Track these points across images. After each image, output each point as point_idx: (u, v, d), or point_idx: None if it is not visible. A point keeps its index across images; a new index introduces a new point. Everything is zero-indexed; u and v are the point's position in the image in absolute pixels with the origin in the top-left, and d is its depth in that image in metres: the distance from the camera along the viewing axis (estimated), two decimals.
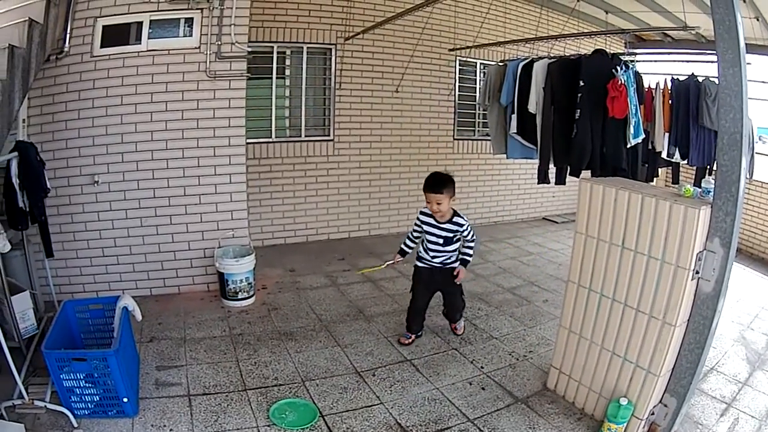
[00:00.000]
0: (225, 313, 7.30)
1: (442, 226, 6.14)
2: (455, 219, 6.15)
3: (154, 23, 7.09)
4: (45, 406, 4.64)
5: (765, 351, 6.83)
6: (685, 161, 8.47)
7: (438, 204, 5.96)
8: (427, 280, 6.49)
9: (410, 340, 6.56)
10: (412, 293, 6.60)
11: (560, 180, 8.09)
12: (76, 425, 4.55)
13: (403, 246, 6.57)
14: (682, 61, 9.48)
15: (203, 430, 4.71)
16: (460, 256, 6.38)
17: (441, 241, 6.19)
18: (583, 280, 5.12)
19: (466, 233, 6.24)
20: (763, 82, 9.71)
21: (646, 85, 8.17)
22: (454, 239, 6.23)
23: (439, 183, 5.96)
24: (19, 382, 4.62)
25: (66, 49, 6.70)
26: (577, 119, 7.33)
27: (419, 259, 6.51)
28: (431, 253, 6.31)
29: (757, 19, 9.58)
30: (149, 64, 7.12)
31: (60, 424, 4.59)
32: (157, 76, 7.16)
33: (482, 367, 6.05)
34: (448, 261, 6.37)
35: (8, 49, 4.58)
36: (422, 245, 6.43)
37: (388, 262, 6.68)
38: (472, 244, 6.36)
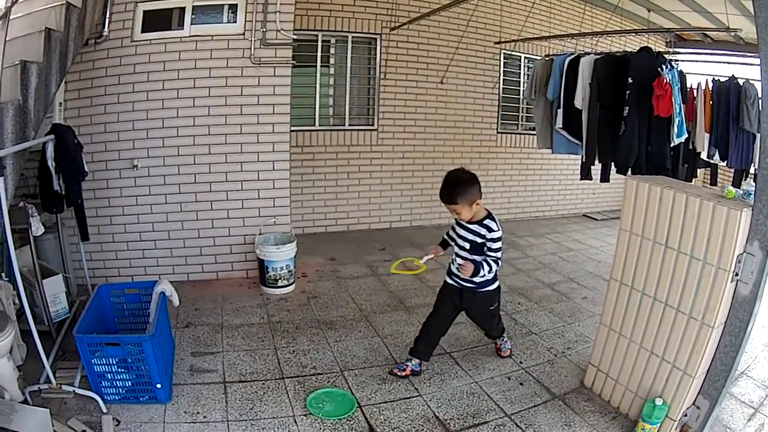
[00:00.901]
0: (264, 300, 7.23)
1: (469, 227, 5.11)
2: (486, 221, 5.05)
3: (197, 9, 7.02)
4: (74, 390, 4.60)
5: None
6: (724, 163, 8.31)
7: (457, 214, 5.10)
8: (452, 298, 5.45)
9: (405, 372, 5.48)
10: (434, 306, 5.60)
11: (604, 177, 8.02)
12: (105, 410, 4.48)
13: (445, 236, 5.61)
14: (722, 62, 9.27)
15: (238, 418, 4.65)
16: (481, 260, 5.06)
17: (468, 246, 5.16)
18: (626, 278, 5.01)
19: (493, 242, 5.03)
20: None
21: (687, 86, 8.07)
22: (484, 248, 5.11)
23: (452, 191, 5.01)
24: (47, 366, 4.58)
25: (105, 34, 6.65)
26: (626, 116, 7.24)
27: (448, 273, 5.50)
28: (457, 263, 5.26)
29: None
30: (192, 49, 7.05)
31: (88, 410, 4.54)
32: (200, 61, 7.10)
33: (521, 362, 5.93)
34: (478, 282, 5.25)
35: (45, 32, 4.55)
36: (452, 255, 5.46)
37: (427, 257, 5.54)
38: (494, 254, 5.05)
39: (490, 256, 5.05)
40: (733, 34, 8.17)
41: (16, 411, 3.92)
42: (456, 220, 5.23)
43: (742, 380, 5.81)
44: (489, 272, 5.05)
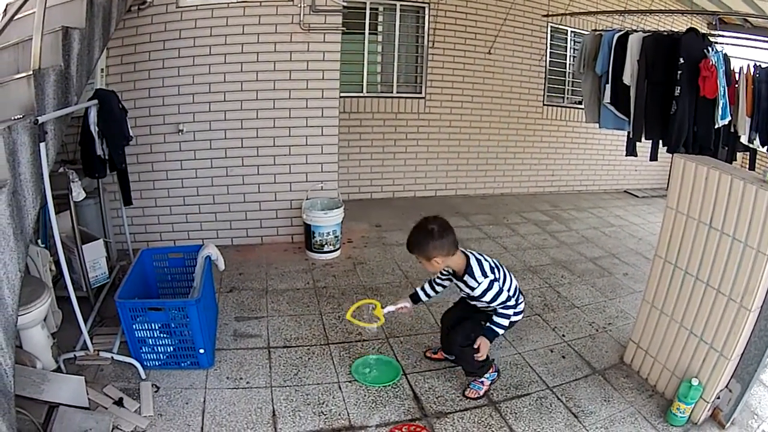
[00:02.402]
0: (309, 265, 7.26)
1: (461, 277, 4.45)
2: (466, 278, 4.37)
3: None
4: (112, 357, 4.60)
5: None
6: (765, 148, 8.22)
7: (428, 266, 4.43)
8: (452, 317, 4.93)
9: (437, 354, 5.20)
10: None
11: (654, 156, 7.89)
12: (144, 377, 4.49)
13: (418, 289, 4.97)
14: (761, 48, 9.11)
15: (282, 384, 4.66)
16: (487, 325, 4.46)
17: (465, 295, 4.63)
18: (670, 256, 4.94)
19: (485, 297, 4.33)
20: None
21: (731, 69, 7.93)
22: (480, 299, 4.43)
23: (412, 244, 4.44)
24: (85, 333, 4.57)
25: (149, 0, 6.59)
26: (677, 96, 7.13)
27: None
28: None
29: None
30: (240, 15, 6.98)
31: (126, 376, 4.56)
32: (248, 27, 7.04)
33: (563, 336, 5.91)
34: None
35: None
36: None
37: (389, 308, 4.87)
38: (503, 319, 4.43)
39: (497, 315, 4.42)
40: None
41: (48, 380, 3.91)
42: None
43: None
44: (504, 328, 4.47)
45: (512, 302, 4.43)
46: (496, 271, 4.47)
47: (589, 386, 5.01)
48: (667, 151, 7.54)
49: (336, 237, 7.51)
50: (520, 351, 5.50)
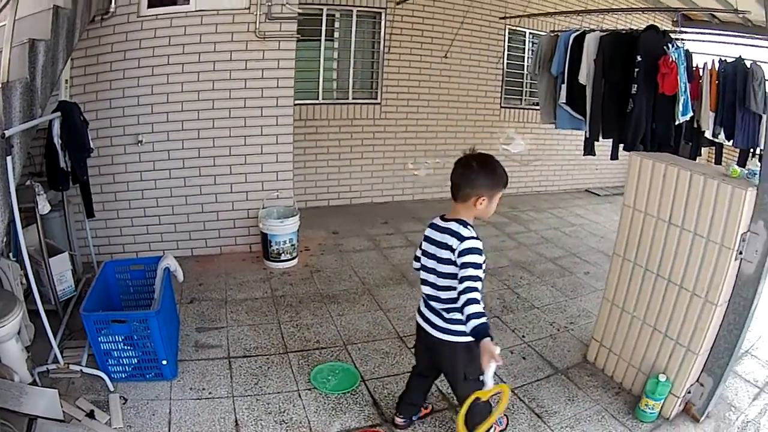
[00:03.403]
0: (267, 274, 7.35)
1: (444, 226, 3.78)
2: (459, 228, 3.67)
3: None
4: (81, 370, 4.71)
5: None
6: (730, 142, 8.35)
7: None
8: (426, 343, 4.06)
9: (402, 421, 4.50)
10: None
11: (614, 155, 8.08)
12: (112, 389, 4.59)
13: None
14: (729, 43, 9.30)
15: (243, 393, 4.76)
16: (465, 317, 3.45)
17: (432, 264, 3.80)
18: (629, 254, 5.13)
19: (461, 254, 3.57)
20: None
21: (693, 65, 8.11)
22: (450, 264, 3.68)
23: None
24: (55, 346, 4.66)
25: (112, 10, 6.67)
26: (634, 94, 7.32)
27: (418, 310, 4.10)
28: (424, 294, 3.96)
29: None
30: (197, 24, 7.07)
31: (95, 389, 4.64)
32: (205, 36, 7.14)
33: (523, 337, 6.10)
34: (446, 322, 3.85)
35: (53, 10, 4.58)
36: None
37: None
38: (470, 294, 3.45)
39: (462, 290, 3.51)
40: (741, 15, 8.26)
41: (26, 393, 4.01)
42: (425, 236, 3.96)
43: (747, 359, 5.92)
44: (479, 315, 3.40)
45: (476, 280, 3.55)
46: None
47: (551, 386, 5.18)
48: (624, 149, 7.67)
49: (293, 245, 7.61)
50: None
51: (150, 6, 6.88)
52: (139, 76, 7.00)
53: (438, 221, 3.86)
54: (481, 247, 3.59)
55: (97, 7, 6.32)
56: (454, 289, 3.61)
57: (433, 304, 3.85)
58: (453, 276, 3.65)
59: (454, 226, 3.69)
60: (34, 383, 4.40)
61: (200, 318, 6.04)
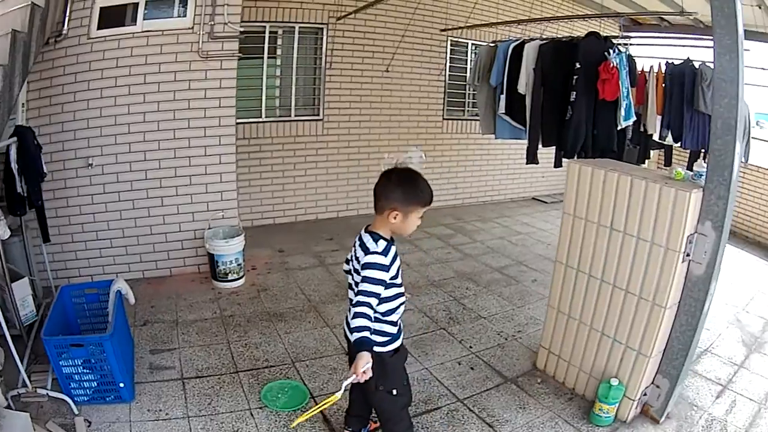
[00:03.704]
0: (216, 294, 7.41)
1: (361, 236, 3.86)
2: (368, 241, 3.73)
3: (150, 4, 7.11)
4: (47, 393, 4.71)
5: (762, 334, 6.98)
6: (678, 144, 8.55)
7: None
8: (351, 351, 3.82)
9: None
10: (398, 393, 4.05)
11: (558, 163, 8.16)
12: (77, 412, 4.60)
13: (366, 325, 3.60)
14: (680, 45, 9.50)
15: (197, 414, 4.81)
16: (350, 328, 3.59)
17: (351, 270, 3.96)
18: (571, 261, 5.25)
19: (363, 267, 3.62)
20: (762, 68, 9.78)
21: (639, 69, 8.31)
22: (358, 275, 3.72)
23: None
24: (22, 371, 4.68)
25: (65, 32, 6.70)
26: (573, 101, 7.45)
27: (390, 337, 3.95)
28: (402, 307, 4.00)
29: (760, 7, 9.66)
30: (143, 45, 7.13)
31: (62, 412, 4.68)
32: (150, 57, 7.19)
33: (471, 347, 6.22)
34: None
35: (11, 34, 4.59)
36: (386, 315, 3.88)
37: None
38: (359, 308, 3.52)
39: (355, 302, 3.60)
40: (692, 17, 8.44)
41: (3, 417, 4.05)
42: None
43: (707, 357, 6.15)
44: (362, 328, 3.49)
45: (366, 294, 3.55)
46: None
47: (501, 395, 5.30)
48: (564, 156, 7.83)
49: (239, 265, 7.69)
50: (427, 366, 5.78)
51: (99, 27, 6.92)
52: (88, 98, 7.01)
53: (362, 230, 3.89)
54: (383, 263, 3.59)
55: (51, 30, 6.34)
56: None
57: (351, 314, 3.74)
58: None
59: (366, 238, 3.74)
60: (8, 407, 4.43)
61: (153, 340, 6.08)
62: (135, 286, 5.82)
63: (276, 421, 4.79)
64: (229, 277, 7.62)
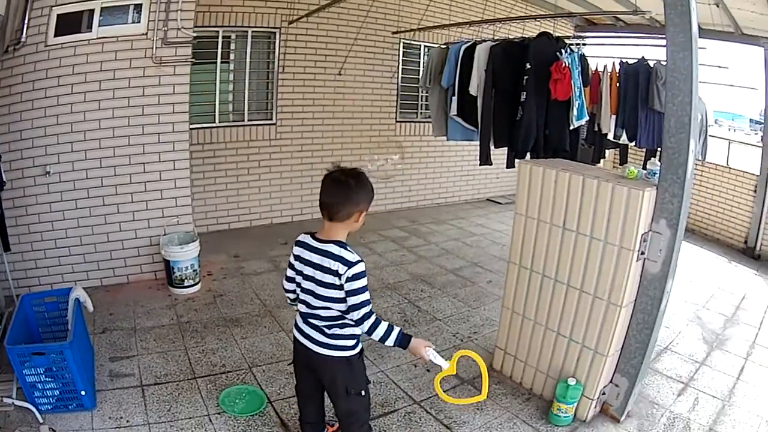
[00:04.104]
0: (172, 301, 7.45)
1: (320, 248, 3.70)
2: (340, 251, 3.64)
3: (105, 10, 7.09)
4: (12, 402, 4.73)
5: (723, 331, 7.16)
6: (633, 143, 8.69)
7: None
8: (304, 360, 4.06)
9: None
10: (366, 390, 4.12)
11: (510, 164, 8.20)
12: (41, 421, 4.63)
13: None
14: (635, 45, 9.52)
15: (157, 420, 4.85)
16: (378, 340, 3.77)
17: (310, 287, 3.80)
18: (524, 261, 5.37)
19: (350, 280, 3.59)
20: (719, 66, 9.91)
21: (593, 68, 8.46)
22: (333, 288, 3.68)
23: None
24: None
25: (23, 40, 6.69)
26: (523, 101, 7.53)
27: (295, 326, 4.05)
28: (301, 311, 3.98)
29: (717, 6, 9.82)
30: (99, 51, 7.13)
31: (28, 420, 4.70)
32: (105, 63, 7.20)
33: None
34: (327, 337, 3.87)
35: None
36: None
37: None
38: (369, 320, 3.72)
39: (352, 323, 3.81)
40: (646, 17, 8.58)
41: None
42: (295, 255, 3.92)
43: (667, 355, 6.33)
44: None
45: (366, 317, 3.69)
46: None
47: (458, 397, 5.35)
48: (515, 157, 7.91)
49: (195, 271, 7.73)
50: (383, 369, 5.90)
51: (57, 35, 6.92)
52: (46, 106, 7.02)
53: (310, 241, 3.77)
54: (364, 269, 3.64)
55: (10, 38, 6.41)
56: (332, 309, 3.74)
57: (312, 321, 3.86)
58: (333, 299, 3.71)
59: (334, 249, 3.63)
60: None
61: (113, 347, 6.10)
62: (93, 294, 5.92)
63: (234, 426, 4.86)
64: (185, 284, 7.66)
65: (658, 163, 4.49)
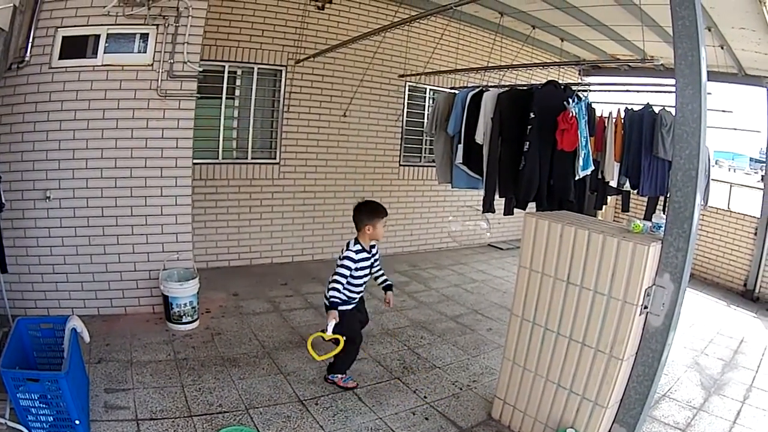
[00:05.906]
0: (170, 336, 7.41)
1: (373, 251, 6.32)
2: (350, 244, 6.19)
3: (111, 37, 7.18)
4: (6, 423, 4.76)
5: (721, 376, 7.16)
6: (636, 191, 8.68)
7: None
8: (360, 317, 6.53)
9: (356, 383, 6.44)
10: (349, 336, 6.13)
11: (508, 211, 8.13)
12: None
13: (338, 296, 5.98)
14: (639, 90, 9.55)
15: None
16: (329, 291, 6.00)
17: (367, 268, 6.26)
18: (527, 314, 5.35)
19: (339, 259, 6.16)
20: (724, 111, 9.95)
21: (598, 115, 8.45)
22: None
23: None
24: None
25: (27, 58, 6.77)
26: (526, 151, 7.45)
27: (347, 302, 6.12)
28: (360, 288, 6.26)
29: (722, 48, 9.91)
30: (103, 79, 7.26)
31: None
32: (110, 92, 7.31)
33: (425, 397, 6.29)
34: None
35: None
36: (347, 289, 6.11)
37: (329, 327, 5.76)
38: (331, 284, 5.97)
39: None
40: (659, 65, 8.62)
41: None
42: (358, 260, 6.12)
43: (665, 402, 6.32)
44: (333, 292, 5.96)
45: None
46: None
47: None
48: (517, 206, 7.91)
49: (193, 308, 7.71)
50: (381, 416, 5.85)
51: (61, 57, 7.00)
52: (48, 129, 7.10)
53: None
54: (352, 257, 6.05)
55: (14, 55, 6.42)
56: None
57: None
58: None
59: (351, 242, 6.18)
60: None
61: (108, 379, 6.06)
62: (89, 323, 5.89)
63: None
64: (183, 320, 7.63)
65: (663, 216, 4.46)
